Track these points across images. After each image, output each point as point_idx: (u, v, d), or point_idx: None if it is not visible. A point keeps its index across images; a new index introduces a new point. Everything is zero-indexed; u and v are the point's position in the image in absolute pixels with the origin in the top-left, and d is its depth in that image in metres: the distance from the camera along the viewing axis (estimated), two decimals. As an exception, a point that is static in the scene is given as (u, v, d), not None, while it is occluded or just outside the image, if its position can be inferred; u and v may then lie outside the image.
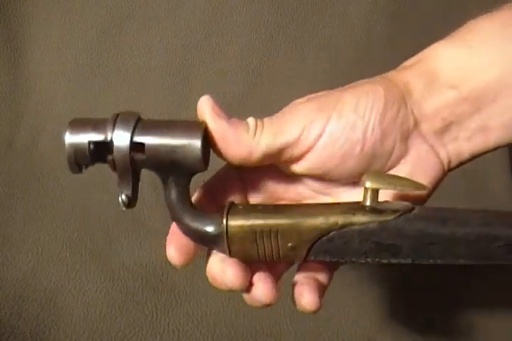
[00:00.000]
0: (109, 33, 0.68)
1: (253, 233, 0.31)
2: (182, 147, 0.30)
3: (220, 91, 0.68)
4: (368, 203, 0.31)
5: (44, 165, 0.67)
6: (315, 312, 0.33)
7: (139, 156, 0.31)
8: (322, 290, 0.34)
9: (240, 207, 0.33)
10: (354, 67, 0.71)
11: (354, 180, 0.34)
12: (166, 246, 0.34)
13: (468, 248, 0.30)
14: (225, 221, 0.31)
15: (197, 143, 0.30)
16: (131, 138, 0.30)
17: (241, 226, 0.31)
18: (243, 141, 0.32)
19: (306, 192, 0.36)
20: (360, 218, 0.31)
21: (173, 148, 0.30)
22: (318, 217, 0.31)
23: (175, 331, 0.49)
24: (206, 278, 0.55)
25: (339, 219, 0.31)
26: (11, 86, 0.71)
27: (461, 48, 0.35)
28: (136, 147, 0.30)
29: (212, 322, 0.51)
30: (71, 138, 0.31)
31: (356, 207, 0.31)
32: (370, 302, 0.55)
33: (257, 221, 0.31)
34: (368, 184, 0.31)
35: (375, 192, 0.31)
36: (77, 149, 0.31)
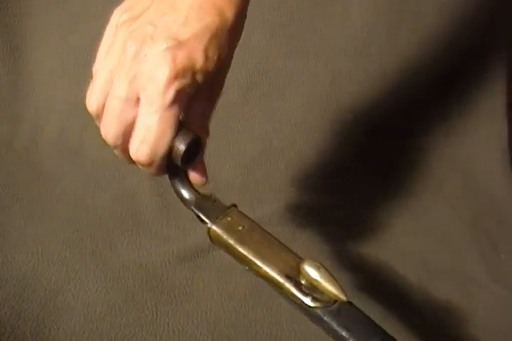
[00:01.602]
0: (109, 33, 0.68)
1: (224, 244, 0.37)
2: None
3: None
4: (303, 282, 0.34)
5: (44, 165, 0.67)
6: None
7: None
8: None
9: (229, 218, 0.37)
10: (354, 66, 0.71)
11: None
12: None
13: None
14: (210, 225, 0.37)
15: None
16: None
17: (219, 236, 0.37)
18: None
19: None
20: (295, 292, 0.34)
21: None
22: (271, 269, 0.35)
23: (175, 331, 0.49)
24: (206, 278, 0.56)
25: (283, 284, 0.35)
26: (11, 86, 0.71)
27: None
28: None
29: (212, 322, 0.50)
30: None
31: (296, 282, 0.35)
32: (369, 302, 0.55)
33: (229, 241, 0.36)
34: (309, 272, 0.34)
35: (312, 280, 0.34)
36: None
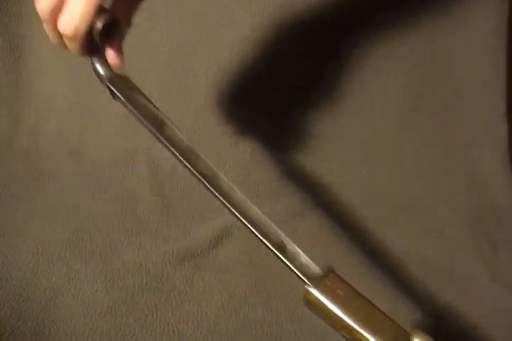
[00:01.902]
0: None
1: (323, 309, 0.34)
2: None
3: (220, 90, 0.69)
4: None
5: (44, 165, 0.68)
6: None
7: None
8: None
9: (328, 282, 0.35)
10: (354, 66, 0.71)
11: None
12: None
13: None
14: (307, 287, 0.35)
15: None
16: None
17: (316, 301, 0.34)
18: None
19: None
20: None
21: None
22: (376, 339, 0.33)
23: (175, 331, 0.49)
24: (206, 278, 0.56)
25: None
26: (11, 86, 0.71)
27: None
28: None
29: (212, 322, 0.50)
30: None
31: None
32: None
33: (329, 306, 0.34)
34: None
35: None
36: None
